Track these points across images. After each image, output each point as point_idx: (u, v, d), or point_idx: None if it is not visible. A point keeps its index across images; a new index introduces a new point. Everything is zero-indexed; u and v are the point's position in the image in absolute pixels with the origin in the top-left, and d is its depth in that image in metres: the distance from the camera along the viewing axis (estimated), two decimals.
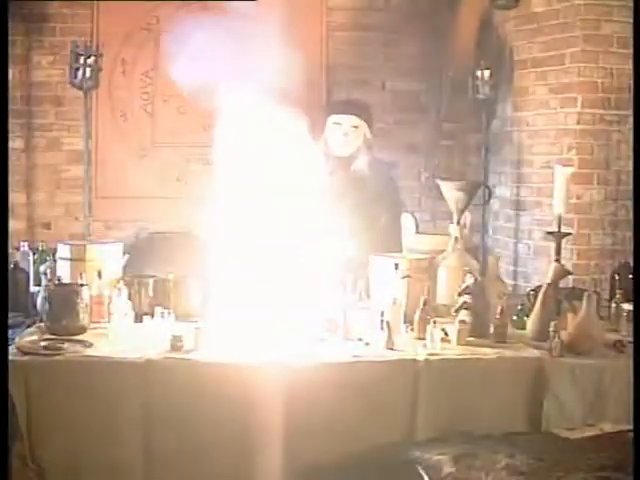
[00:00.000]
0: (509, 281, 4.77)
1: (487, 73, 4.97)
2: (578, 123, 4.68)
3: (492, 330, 2.86)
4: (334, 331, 2.80)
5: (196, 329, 2.69)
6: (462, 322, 2.85)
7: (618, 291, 3.20)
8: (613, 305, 3.15)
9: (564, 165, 3.39)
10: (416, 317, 2.87)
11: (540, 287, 3.01)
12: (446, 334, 2.82)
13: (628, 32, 4.49)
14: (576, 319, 2.81)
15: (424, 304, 2.89)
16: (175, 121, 5.24)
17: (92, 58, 4.80)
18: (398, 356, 2.67)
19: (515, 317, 3.04)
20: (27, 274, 3.40)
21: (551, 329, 2.73)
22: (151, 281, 3.12)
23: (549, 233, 3.33)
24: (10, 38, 4.41)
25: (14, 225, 4.89)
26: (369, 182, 3.64)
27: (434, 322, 2.78)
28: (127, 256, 3.25)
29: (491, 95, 5.01)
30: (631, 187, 4.47)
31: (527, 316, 2.97)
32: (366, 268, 3.17)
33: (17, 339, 2.73)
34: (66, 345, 2.67)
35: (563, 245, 3.29)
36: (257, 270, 2.95)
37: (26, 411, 2.50)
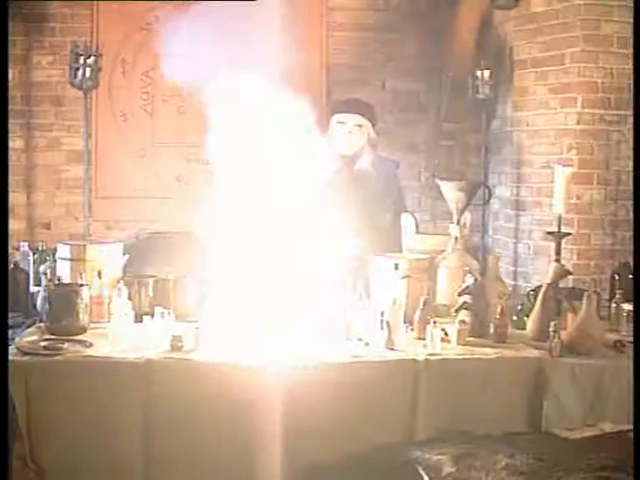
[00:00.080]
0: (509, 281, 4.76)
1: (487, 73, 4.97)
2: (578, 123, 4.68)
3: (492, 330, 2.86)
4: (334, 331, 2.80)
5: (196, 329, 2.69)
6: (462, 322, 2.85)
7: (618, 291, 3.20)
8: (613, 305, 3.16)
9: (564, 165, 3.39)
10: (416, 317, 2.87)
11: (540, 287, 3.01)
12: (446, 334, 2.82)
13: (628, 32, 4.49)
14: (576, 319, 2.81)
15: (424, 304, 2.89)
16: (175, 121, 5.23)
17: (92, 58, 4.79)
18: (398, 356, 2.67)
19: (515, 317, 3.05)
20: (27, 274, 3.40)
21: (551, 329, 2.73)
22: (151, 281, 3.12)
23: (549, 233, 3.33)
24: (10, 38, 4.41)
25: (14, 225, 4.89)
26: (373, 181, 3.65)
27: (434, 322, 2.78)
28: (127, 256, 3.25)
29: (491, 95, 5.00)
30: (631, 187, 4.47)
31: (527, 316, 2.98)
32: (367, 268, 3.17)
33: (17, 339, 2.73)
34: (66, 345, 2.68)
35: (563, 245, 3.29)
36: (257, 270, 2.95)
37: (26, 411, 2.51)
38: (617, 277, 3.46)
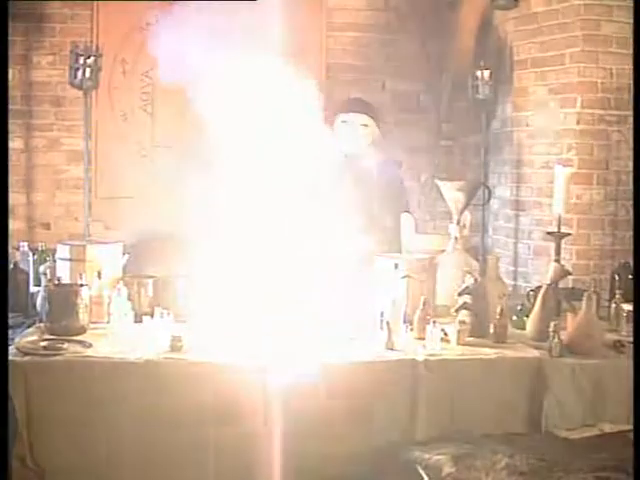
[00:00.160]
0: (509, 281, 4.76)
1: (487, 73, 4.96)
2: (578, 123, 4.68)
3: (492, 330, 2.86)
4: (334, 331, 2.80)
5: (196, 329, 2.69)
6: (462, 322, 2.85)
7: (618, 291, 3.20)
8: (613, 305, 3.16)
9: (564, 165, 3.39)
10: (416, 317, 2.87)
11: (540, 287, 3.01)
12: (446, 334, 2.82)
13: (628, 32, 4.49)
14: (576, 319, 2.81)
15: (424, 304, 2.89)
16: (175, 121, 5.23)
17: (92, 58, 4.79)
18: (398, 356, 2.67)
19: (515, 317, 3.05)
20: (27, 274, 3.40)
21: (551, 329, 2.73)
22: (150, 281, 3.12)
23: (549, 233, 3.34)
24: (10, 38, 4.41)
25: (14, 225, 4.89)
26: (377, 181, 3.66)
27: (434, 322, 2.78)
28: (127, 256, 3.25)
29: (491, 95, 5.00)
30: (631, 187, 4.47)
31: (527, 316, 2.98)
32: (367, 268, 3.17)
33: (17, 339, 2.73)
34: (66, 345, 2.68)
35: (563, 245, 3.29)
36: (257, 270, 2.95)
37: (26, 411, 2.50)
38: (617, 277, 3.46)
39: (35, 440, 2.51)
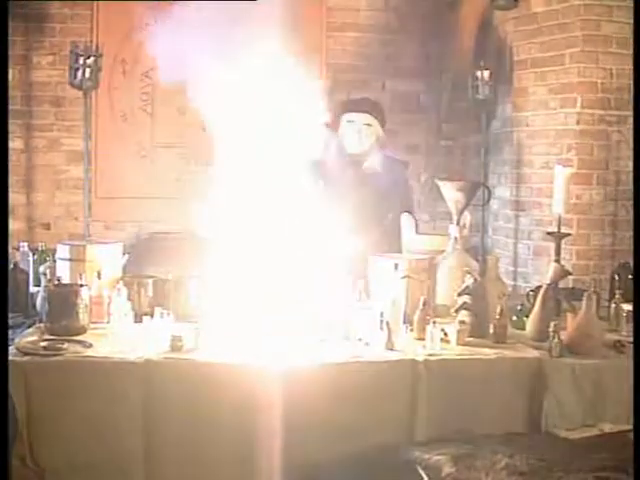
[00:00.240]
0: (509, 281, 4.77)
1: (487, 73, 4.97)
2: (578, 123, 4.68)
3: (492, 330, 2.86)
4: (334, 331, 2.80)
5: (196, 329, 2.69)
6: (462, 322, 2.85)
7: (618, 291, 3.20)
8: (613, 305, 3.15)
9: (564, 165, 3.39)
10: (416, 317, 2.87)
11: (540, 287, 3.01)
12: (446, 334, 2.82)
13: (628, 32, 4.49)
14: (576, 319, 2.81)
15: (424, 304, 2.89)
16: (175, 121, 5.23)
17: (92, 58, 4.79)
18: (398, 356, 2.67)
19: (515, 317, 3.04)
20: (27, 274, 3.39)
21: (551, 329, 2.73)
22: (150, 281, 3.12)
23: (549, 233, 3.34)
24: (10, 38, 4.41)
25: (14, 225, 4.90)
26: (380, 180, 3.67)
27: (434, 322, 2.78)
28: (127, 256, 3.25)
29: (491, 95, 5.01)
30: (631, 187, 4.48)
31: (527, 316, 2.97)
32: (367, 268, 3.17)
33: (17, 339, 2.73)
34: (66, 345, 2.67)
35: (563, 245, 3.29)
36: (257, 270, 2.95)
37: (26, 411, 2.50)
38: (617, 277, 3.46)
39: (35, 440, 2.51)
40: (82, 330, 2.83)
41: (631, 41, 4.38)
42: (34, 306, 3.10)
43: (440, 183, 3.39)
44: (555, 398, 2.67)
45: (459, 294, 2.92)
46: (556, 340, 2.70)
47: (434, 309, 3.03)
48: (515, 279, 5.07)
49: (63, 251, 3.13)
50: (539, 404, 2.67)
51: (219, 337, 2.73)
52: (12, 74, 5.00)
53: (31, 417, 2.51)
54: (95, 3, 5.20)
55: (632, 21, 4.36)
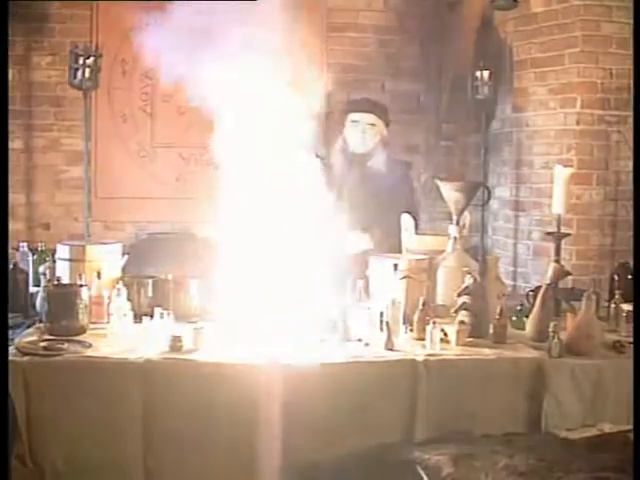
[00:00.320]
0: (508, 282, 4.77)
1: (486, 74, 4.97)
2: (578, 123, 4.68)
3: (491, 331, 2.86)
4: (334, 331, 2.80)
5: (196, 329, 2.69)
6: (461, 323, 2.85)
7: (617, 291, 3.20)
8: (612, 305, 3.15)
9: (564, 165, 3.39)
10: (415, 318, 2.87)
11: (539, 288, 3.01)
12: (445, 334, 2.82)
13: (627, 33, 4.49)
14: (575, 319, 2.81)
15: (423, 305, 2.89)
16: (175, 121, 5.23)
17: (91, 59, 4.79)
18: (398, 356, 2.67)
19: (514, 318, 3.04)
20: (26, 274, 3.40)
21: (550, 329, 2.73)
22: (150, 281, 3.12)
23: (548, 234, 3.34)
24: (10, 38, 4.40)
25: (14, 226, 4.89)
26: (384, 180, 3.68)
27: (433, 323, 2.78)
28: (126, 256, 3.25)
29: (490, 96, 5.00)
30: (631, 187, 4.47)
31: (526, 317, 2.97)
32: (367, 268, 3.17)
33: (17, 339, 2.73)
34: (66, 345, 2.67)
35: (562, 245, 3.29)
36: (257, 270, 2.95)
37: (26, 411, 2.50)
38: (616, 277, 3.46)
39: (35, 440, 2.51)
40: (82, 330, 2.83)
41: (631, 41, 4.38)
42: (34, 306, 3.10)
43: (440, 183, 3.39)
44: (555, 398, 2.67)
45: (459, 294, 2.92)
46: (556, 340, 2.70)
47: (434, 309, 3.03)
48: (515, 279, 5.07)
49: (63, 251, 3.13)
50: (539, 404, 2.67)
51: (219, 337, 2.73)
52: (12, 74, 5.00)
53: (31, 417, 2.51)
54: (95, 3, 5.20)
55: (632, 21, 4.36)
